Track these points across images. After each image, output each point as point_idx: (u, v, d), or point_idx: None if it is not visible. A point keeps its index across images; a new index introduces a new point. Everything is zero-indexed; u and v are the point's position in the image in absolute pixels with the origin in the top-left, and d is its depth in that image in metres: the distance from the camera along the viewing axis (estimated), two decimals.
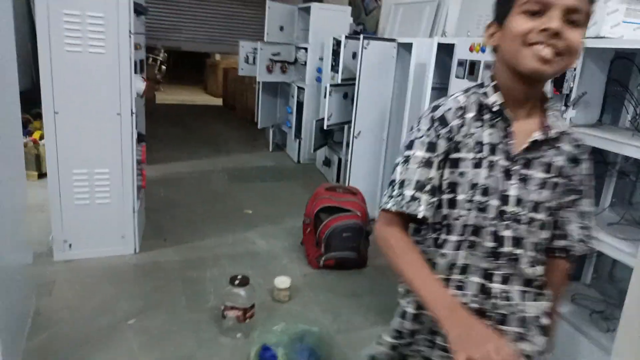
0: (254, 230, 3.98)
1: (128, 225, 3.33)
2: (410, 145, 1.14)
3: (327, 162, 5.71)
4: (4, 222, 2.04)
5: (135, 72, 3.16)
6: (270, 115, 6.83)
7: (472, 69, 2.87)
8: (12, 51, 2.31)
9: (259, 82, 6.40)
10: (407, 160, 1.12)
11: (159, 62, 11.42)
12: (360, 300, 3.03)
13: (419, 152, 1.12)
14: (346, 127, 4.89)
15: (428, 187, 1.11)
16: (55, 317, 2.59)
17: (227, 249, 3.61)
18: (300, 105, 5.99)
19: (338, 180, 5.24)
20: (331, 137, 5.54)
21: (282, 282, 2.92)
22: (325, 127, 4.58)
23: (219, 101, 11.35)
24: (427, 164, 1.11)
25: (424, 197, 1.10)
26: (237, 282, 2.52)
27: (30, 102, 4.11)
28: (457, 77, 3.03)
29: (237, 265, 3.31)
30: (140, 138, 3.50)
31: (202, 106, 10.86)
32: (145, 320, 2.63)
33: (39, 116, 4.30)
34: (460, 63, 2.99)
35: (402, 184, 1.12)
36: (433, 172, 1.11)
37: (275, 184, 5.42)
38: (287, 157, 6.61)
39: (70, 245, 3.22)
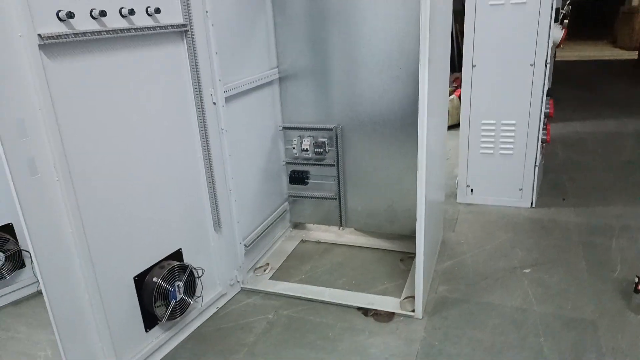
0: None
1: (527, 178, 3.32)
2: None
3: None
4: (435, 163, 2.39)
5: (555, 21, 3.01)
6: None
7: None
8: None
9: None
10: None
11: (562, 16, 10.59)
12: None
13: None
14: None
15: None
16: (458, 249, 2.90)
17: (639, 221, 3.11)
18: None
19: None
20: None
21: None
22: None
23: (632, 55, 9.63)
24: None
25: None
26: None
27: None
28: None
29: None
30: (549, 92, 3.37)
31: (609, 62, 9.47)
32: (541, 272, 2.61)
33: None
34: None
35: None
36: None
37: None
38: None
39: (472, 191, 3.50)
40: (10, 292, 2.60)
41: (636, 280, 2.22)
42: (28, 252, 1.62)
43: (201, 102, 2.17)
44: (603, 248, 2.81)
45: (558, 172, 3.99)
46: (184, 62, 2.09)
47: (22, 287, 2.63)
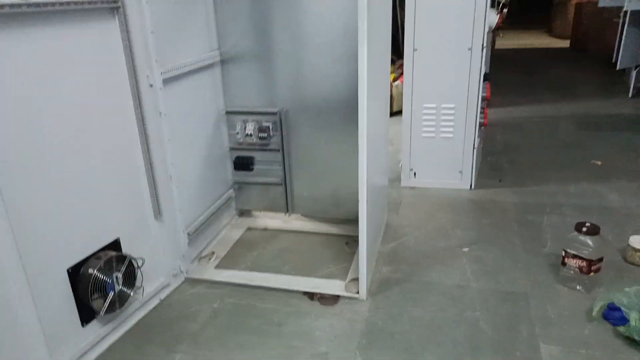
0: (604, 184, 3.49)
1: (467, 161, 3.45)
2: None
3: None
4: (378, 147, 2.42)
5: (492, 6, 3.11)
6: (633, 54, 5.66)
7: None
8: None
9: (624, 13, 5.35)
10: None
11: (500, 5, 10.97)
12: None
13: None
14: None
15: None
16: (401, 232, 2.98)
17: (570, 198, 3.30)
18: None
19: None
20: None
21: None
22: None
23: (565, 43, 10.14)
24: None
25: None
26: (584, 229, 2.28)
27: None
28: None
29: (581, 217, 2.99)
30: (485, 77, 3.49)
31: (546, 50, 9.93)
32: (478, 250, 2.72)
33: (391, 61, 4.82)
34: None
35: None
36: None
37: (636, 136, 4.54)
38: None
39: (415, 174, 3.59)
40: None
41: (562, 254, 2.36)
42: None
43: (136, 84, 2.08)
44: (536, 225, 2.97)
45: (497, 155, 4.16)
46: (116, 42, 1.99)
47: None
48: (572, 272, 2.34)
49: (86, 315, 1.95)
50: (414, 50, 3.26)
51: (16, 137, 1.63)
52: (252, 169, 2.97)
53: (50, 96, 1.74)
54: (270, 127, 2.83)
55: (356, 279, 2.38)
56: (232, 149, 2.97)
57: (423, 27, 3.20)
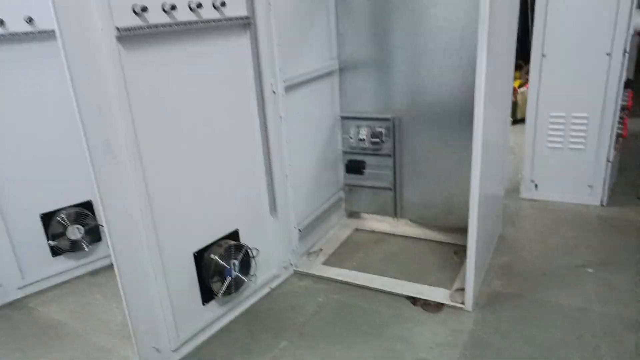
0: None
1: (599, 174, 3.14)
2: None
3: None
4: (493, 156, 2.34)
5: (638, 7, 2.81)
6: None
7: None
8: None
9: None
10: None
11: None
12: None
13: None
14: None
15: None
16: (516, 245, 2.82)
17: None
18: None
19: None
20: None
21: None
22: None
23: None
24: None
25: None
26: None
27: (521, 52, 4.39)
28: None
29: None
30: (627, 83, 3.15)
31: None
32: (606, 272, 2.47)
33: (518, 67, 4.56)
34: None
35: None
36: None
37: None
38: None
39: (536, 186, 3.36)
40: (88, 263, 2.88)
41: None
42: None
43: (261, 91, 2.27)
44: None
45: (637, 170, 3.72)
46: (246, 53, 2.20)
47: (99, 259, 2.91)
48: None
49: (207, 295, 2.17)
50: (543, 56, 3.07)
51: (160, 137, 1.89)
52: (363, 173, 3.04)
53: (190, 100, 1.98)
54: (383, 133, 2.87)
55: (462, 289, 2.32)
56: (345, 152, 3.06)
57: (554, 31, 3.00)
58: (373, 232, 3.13)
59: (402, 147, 2.88)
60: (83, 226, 2.78)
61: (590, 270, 2.51)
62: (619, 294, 2.30)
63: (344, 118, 3.00)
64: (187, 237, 2.07)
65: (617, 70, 2.89)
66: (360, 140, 2.93)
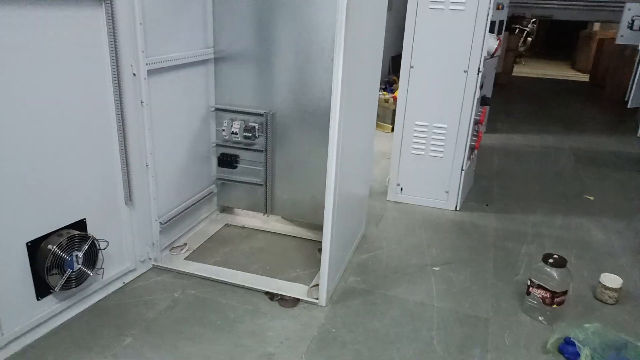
0: (592, 219, 3.44)
1: (454, 182, 3.43)
2: None
3: None
4: (355, 157, 2.43)
5: (491, 32, 3.11)
6: None
7: None
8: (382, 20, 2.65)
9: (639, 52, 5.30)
10: None
11: (525, 33, 10.93)
12: None
13: None
14: None
15: None
16: (376, 244, 2.97)
17: (554, 230, 3.26)
18: None
19: None
20: None
21: (612, 281, 2.45)
22: None
23: (585, 77, 10.06)
24: None
25: None
26: (551, 260, 2.25)
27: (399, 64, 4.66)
28: None
29: (560, 249, 2.96)
30: (483, 101, 3.48)
31: (564, 82, 9.86)
32: (449, 271, 2.70)
33: None
34: None
35: None
36: None
37: (635, 176, 4.47)
38: None
39: (401, 189, 3.59)
40: None
41: (528, 283, 2.33)
42: None
43: (118, 72, 2.13)
44: (512, 252, 2.93)
45: (489, 180, 4.13)
46: (102, 29, 2.05)
47: None
48: (535, 302, 2.30)
49: (42, 289, 1.99)
50: (411, 67, 3.28)
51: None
52: (235, 167, 3.00)
53: (30, 74, 1.79)
54: (256, 128, 2.86)
55: (319, 285, 2.38)
56: (218, 145, 3.00)
57: (421, 46, 3.21)
58: (243, 227, 3.11)
59: (275, 144, 2.89)
60: None
61: (436, 268, 2.72)
62: (456, 291, 2.53)
63: (218, 110, 2.94)
64: (20, 224, 1.87)
65: (472, 87, 3.18)
66: (233, 133, 2.89)
